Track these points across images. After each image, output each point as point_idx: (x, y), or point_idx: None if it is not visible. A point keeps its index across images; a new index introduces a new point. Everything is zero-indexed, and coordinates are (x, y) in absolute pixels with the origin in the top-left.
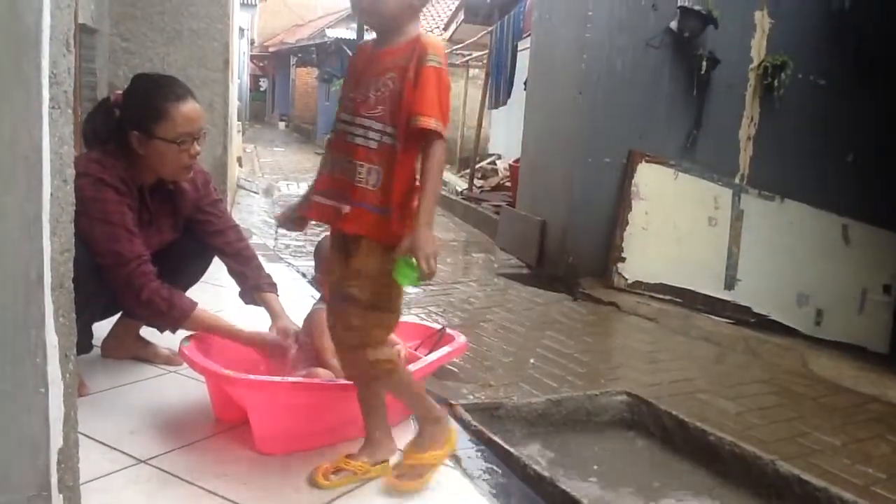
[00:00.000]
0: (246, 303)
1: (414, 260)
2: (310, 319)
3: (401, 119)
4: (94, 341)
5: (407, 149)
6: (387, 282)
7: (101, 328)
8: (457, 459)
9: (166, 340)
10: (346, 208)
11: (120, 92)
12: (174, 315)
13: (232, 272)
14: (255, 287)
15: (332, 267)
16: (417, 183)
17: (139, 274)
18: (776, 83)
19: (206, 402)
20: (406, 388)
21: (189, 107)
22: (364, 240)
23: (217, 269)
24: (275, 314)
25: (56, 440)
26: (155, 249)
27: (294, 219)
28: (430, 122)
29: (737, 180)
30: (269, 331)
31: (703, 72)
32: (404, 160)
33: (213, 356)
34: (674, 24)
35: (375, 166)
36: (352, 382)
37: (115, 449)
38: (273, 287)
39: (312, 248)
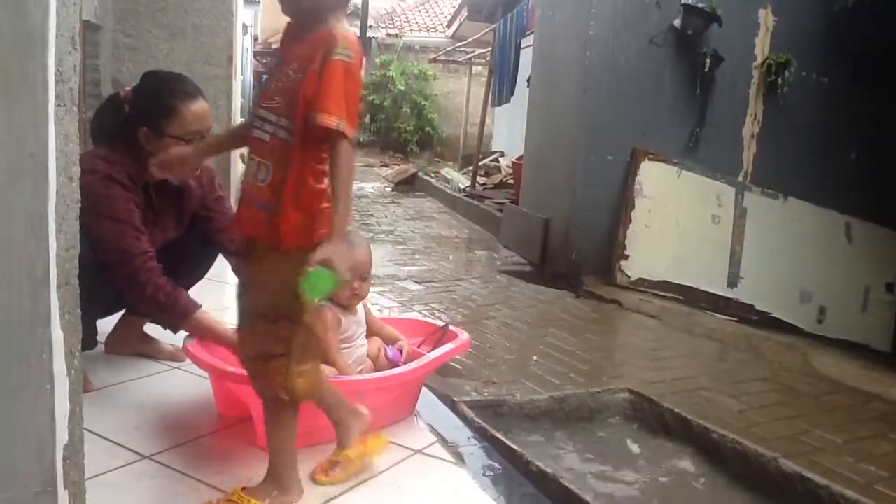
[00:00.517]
0: None
1: (327, 272)
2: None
3: (298, 113)
4: (98, 338)
5: (305, 146)
6: (286, 290)
7: (105, 325)
8: (459, 456)
9: (170, 337)
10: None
11: (129, 89)
12: (177, 312)
13: (235, 270)
14: None
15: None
16: (323, 186)
17: (145, 270)
18: (780, 81)
19: (210, 398)
20: (283, 429)
21: (199, 105)
22: (257, 242)
23: (220, 267)
24: None
25: (62, 436)
26: (159, 247)
27: None
28: (332, 121)
29: (740, 178)
30: None
31: (706, 69)
32: (301, 158)
33: (216, 353)
34: (677, 22)
35: (266, 161)
36: (356, 378)
37: (119, 445)
38: None
39: None
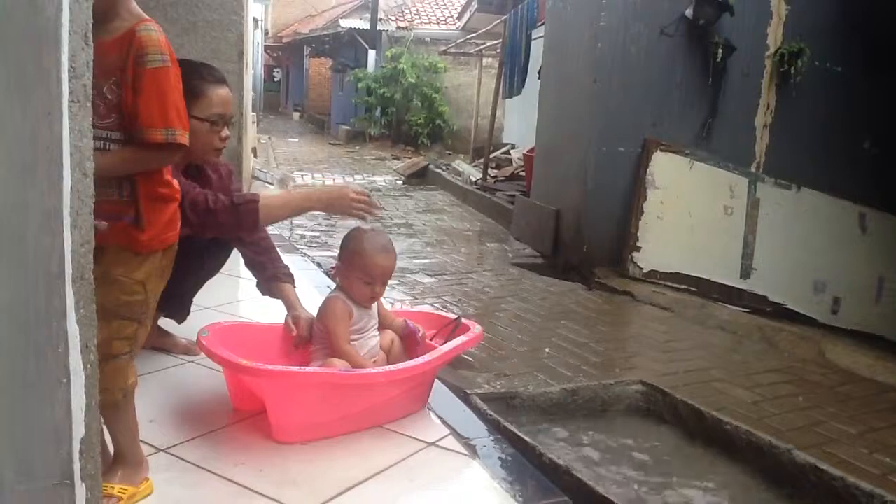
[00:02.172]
0: (262, 294)
1: None
2: (325, 308)
3: (122, 127)
4: None
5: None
6: (131, 290)
7: None
8: (472, 448)
9: (184, 330)
10: (103, 224)
11: None
12: (248, 206)
13: (250, 263)
14: (272, 277)
15: None
16: (168, 191)
17: (200, 195)
18: (793, 70)
19: (224, 391)
20: (125, 418)
21: (224, 90)
22: (110, 246)
23: (235, 262)
24: (290, 304)
25: (78, 429)
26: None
27: None
28: (160, 135)
29: (753, 169)
30: (284, 321)
31: (718, 59)
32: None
33: (230, 346)
34: (689, 12)
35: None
36: (368, 372)
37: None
38: (290, 278)
39: (327, 240)
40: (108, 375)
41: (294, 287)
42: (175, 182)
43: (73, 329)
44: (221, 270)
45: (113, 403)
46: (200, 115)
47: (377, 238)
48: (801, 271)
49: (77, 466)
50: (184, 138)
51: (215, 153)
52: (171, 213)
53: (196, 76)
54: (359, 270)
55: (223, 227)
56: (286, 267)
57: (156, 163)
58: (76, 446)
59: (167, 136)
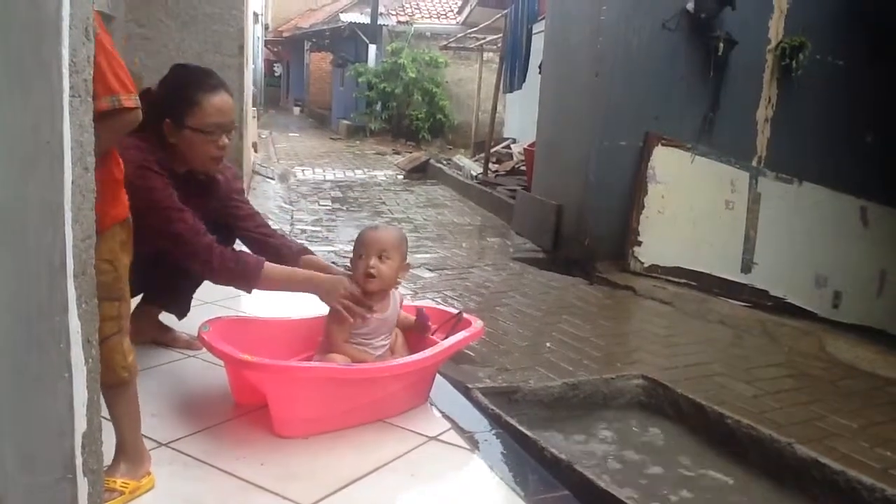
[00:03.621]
0: None
1: None
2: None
3: None
4: None
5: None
6: (101, 269)
7: None
8: (474, 442)
9: (186, 325)
10: None
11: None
12: (249, 273)
13: (270, 248)
14: (299, 252)
15: None
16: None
17: (203, 247)
18: (794, 64)
19: (226, 386)
20: (127, 405)
21: (220, 98)
22: None
23: None
24: (326, 268)
25: (80, 424)
26: None
27: None
28: (104, 103)
29: (754, 163)
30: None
31: (719, 53)
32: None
33: (231, 341)
34: (690, 6)
35: None
36: (369, 366)
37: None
38: (311, 251)
39: (328, 234)
40: (106, 357)
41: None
42: (119, 160)
43: (74, 324)
44: None
45: (121, 382)
46: (194, 126)
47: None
48: (803, 265)
49: (79, 461)
50: (130, 101)
51: (213, 162)
52: (116, 189)
53: (190, 85)
54: (354, 251)
55: (215, 280)
56: (301, 243)
57: (109, 133)
58: (78, 441)
59: (112, 102)
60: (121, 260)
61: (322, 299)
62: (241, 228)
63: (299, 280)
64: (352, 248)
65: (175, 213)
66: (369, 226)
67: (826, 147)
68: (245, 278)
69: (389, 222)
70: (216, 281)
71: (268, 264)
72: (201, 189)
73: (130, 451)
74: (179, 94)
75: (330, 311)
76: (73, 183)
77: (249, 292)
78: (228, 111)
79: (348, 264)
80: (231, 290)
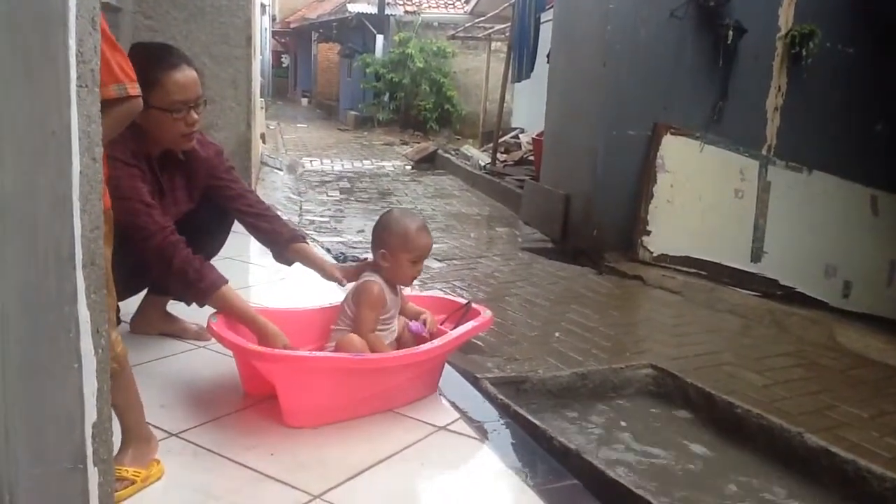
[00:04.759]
0: (279, 261)
1: None
2: (362, 291)
3: None
4: (122, 317)
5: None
6: None
7: (130, 304)
8: (483, 432)
9: (194, 316)
10: None
11: None
12: (202, 287)
13: (260, 232)
14: (290, 239)
15: None
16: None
17: (168, 245)
18: (804, 52)
19: (235, 376)
20: (124, 393)
21: (181, 74)
22: None
23: (244, 246)
24: (320, 265)
25: (90, 414)
26: (174, 220)
27: None
28: (111, 91)
29: (764, 152)
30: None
31: (729, 42)
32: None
33: (241, 331)
34: None
35: None
36: (379, 356)
37: (146, 423)
38: (305, 239)
39: (336, 225)
40: None
41: (311, 246)
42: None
43: (83, 314)
44: (231, 256)
45: (112, 373)
46: (159, 105)
47: (415, 218)
48: (812, 255)
49: (90, 451)
50: (135, 90)
51: (185, 140)
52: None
53: (149, 64)
54: (407, 252)
55: (168, 283)
56: (299, 229)
57: (115, 121)
58: (88, 431)
59: (118, 90)
60: (104, 251)
61: (259, 342)
62: (233, 209)
63: (248, 318)
64: (359, 238)
65: (141, 207)
66: (421, 226)
67: (836, 136)
68: (197, 291)
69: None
70: (166, 285)
71: (226, 289)
72: (181, 168)
73: (135, 438)
74: (140, 76)
75: (363, 296)
76: (80, 173)
77: (201, 306)
78: (192, 86)
79: (358, 256)
80: (239, 280)
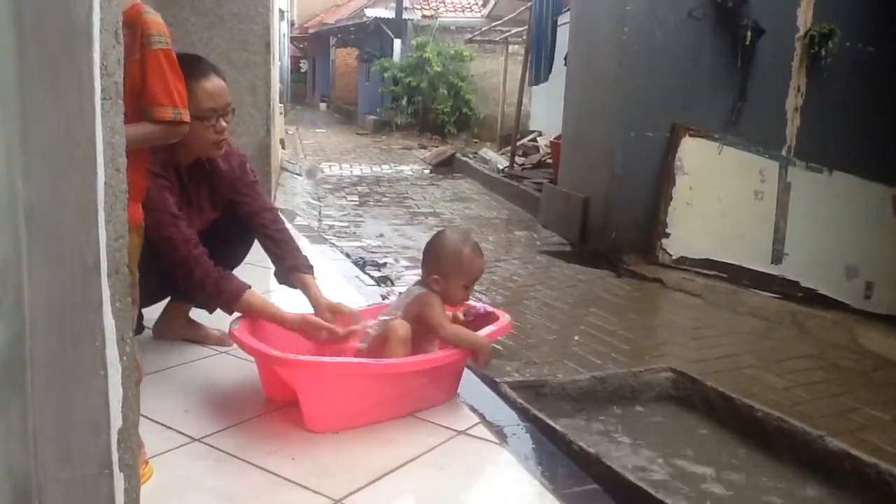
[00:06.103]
0: (280, 283)
1: None
2: (425, 303)
3: (128, 102)
4: (146, 323)
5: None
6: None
7: (153, 311)
8: (502, 436)
9: (217, 322)
10: None
11: None
12: (224, 298)
13: (268, 252)
14: (291, 268)
15: None
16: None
17: (190, 258)
18: (823, 52)
19: (257, 381)
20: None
21: (211, 83)
22: None
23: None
24: (314, 296)
25: (116, 420)
26: (199, 229)
27: None
28: (168, 113)
29: (783, 152)
30: (313, 313)
31: (747, 42)
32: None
33: (262, 337)
34: None
35: None
36: (398, 361)
37: (169, 428)
38: (310, 269)
39: (356, 230)
40: None
41: (315, 278)
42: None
43: (109, 322)
44: (252, 262)
45: None
46: (190, 114)
47: (467, 239)
48: (834, 256)
49: (115, 456)
50: (187, 116)
51: (215, 147)
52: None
53: (183, 72)
54: (460, 276)
55: (194, 294)
56: (306, 258)
57: (160, 139)
58: (114, 436)
59: (175, 114)
60: (135, 264)
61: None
62: (250, 226)
63: (277, 319)
64: (378, 243)
65: (168, 218)
66: (473, 249)
67: (857, 135)
68: (218, 303)
69: (416, 217)
70: (194, 296)
71: (249, 294)
72: (206, 178)
73: None
74: None
75: (428, 307)
76: (105, 184)
77: (230, 314)
78: (221, 94)
79: (377, 260)
80: (260, 286)
